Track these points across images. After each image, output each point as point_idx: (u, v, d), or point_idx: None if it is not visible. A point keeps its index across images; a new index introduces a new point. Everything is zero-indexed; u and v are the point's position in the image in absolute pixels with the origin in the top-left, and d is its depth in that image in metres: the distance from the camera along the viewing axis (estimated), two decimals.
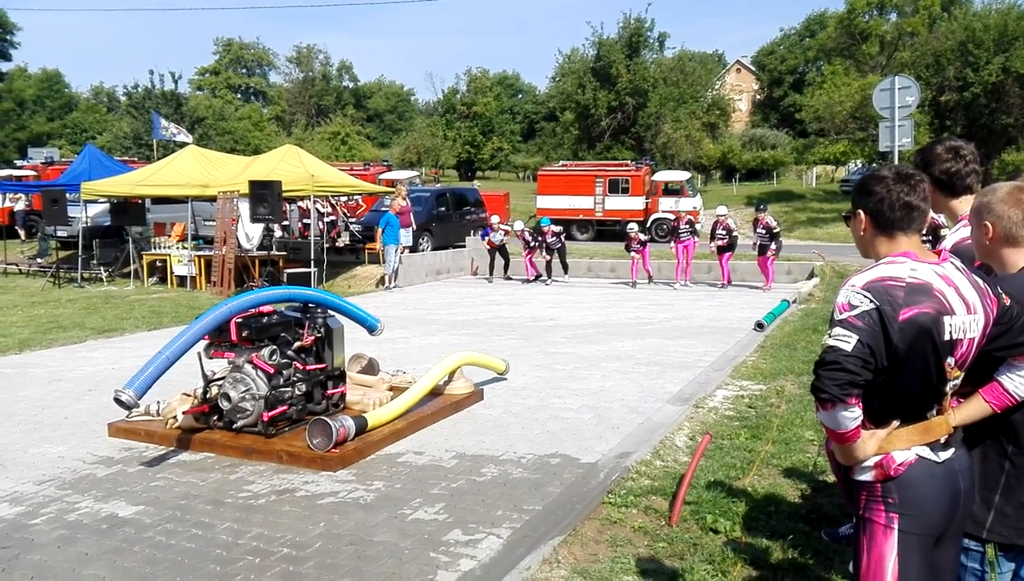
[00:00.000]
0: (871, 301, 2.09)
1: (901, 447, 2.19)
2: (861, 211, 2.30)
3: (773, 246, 15.74)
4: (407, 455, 5.65)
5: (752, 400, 6.88)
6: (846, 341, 2.08)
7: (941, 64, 30.35)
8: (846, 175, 40.84)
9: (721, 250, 16.18)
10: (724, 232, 16.09)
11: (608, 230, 25.61)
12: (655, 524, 4.34)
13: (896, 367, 2.13)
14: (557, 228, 17.46)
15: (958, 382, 2.27)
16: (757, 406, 6.68)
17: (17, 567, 3.97)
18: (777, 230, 15.93)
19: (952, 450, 2.26)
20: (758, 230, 15.84)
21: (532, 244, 17.50)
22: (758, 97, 62.30)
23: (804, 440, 5.69)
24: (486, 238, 17.81)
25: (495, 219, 18.26)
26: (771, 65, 59.18)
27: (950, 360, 2.18)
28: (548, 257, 17.38)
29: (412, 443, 5.91)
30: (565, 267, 17.57)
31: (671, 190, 25.93)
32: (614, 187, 26.08)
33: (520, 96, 67.48)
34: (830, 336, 2.13)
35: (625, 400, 7.10)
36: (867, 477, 2.21)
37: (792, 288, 15.39)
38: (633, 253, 16.69)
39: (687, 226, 16.87)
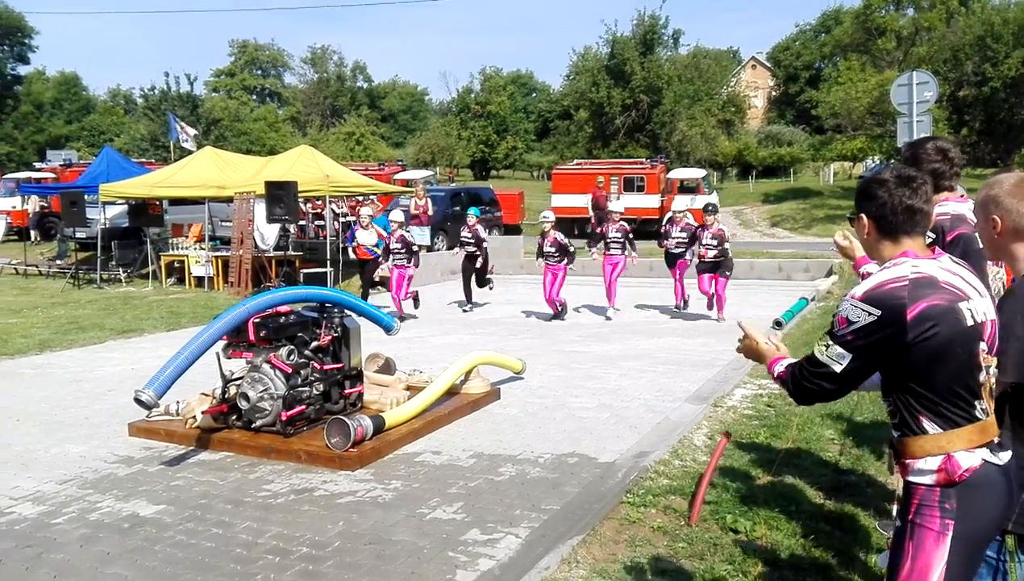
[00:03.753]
0: (870, 313, 2.08)
1: (962, 448, 2.09)
2: (864, 215, 2.28)
3: (723, 263, 11.16)
4: (424, 454, 5.65)
5: (771, 399, 6.84)
6: (838, 363, 2.14)
7: (959, 59, 30.05)
8: (864, 171, 40.51)
9: (674, 259, 11.89)
10: (683, 235, 11.78)
11: None
12: (674, 524, 4.32)
13: (925, 364, 2.07)
14: (483, 232, 12.74)
15: (994, 369, 2.20)
16: (776, 405, 6.63)
17: (40, 566, 4.01)
18: (727, 247, 11.20)
19: (1009, 452, 2.19)
20: (705, 241, 11.15)
21: (395, 251, 11.79)
22: (774, 93, 61.88)
23: (824, 439, 5.64)
24: (353, 244, 13.10)
25: (365, 212, 13.65)
26: (786, 61, 58.79)
27: (982, 346, 2.13)
28: (484, 269, 12.78)
29: (429, 442, 5.91)
30: (481, 281, 12.92)
31: (687, 188, 25.80)
32: (629, 185, 25.98)
33: (534, 95, 67.41)
34: (825, 349, 2.17)
35: (642, 399, 7.07)
36: (927, 481, 2.11)
37: (811, 285, 15.28)
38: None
39: (618, 235, 11.91)
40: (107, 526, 4.50)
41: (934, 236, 3.18)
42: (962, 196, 3.39)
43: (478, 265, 12.74)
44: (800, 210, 29.86)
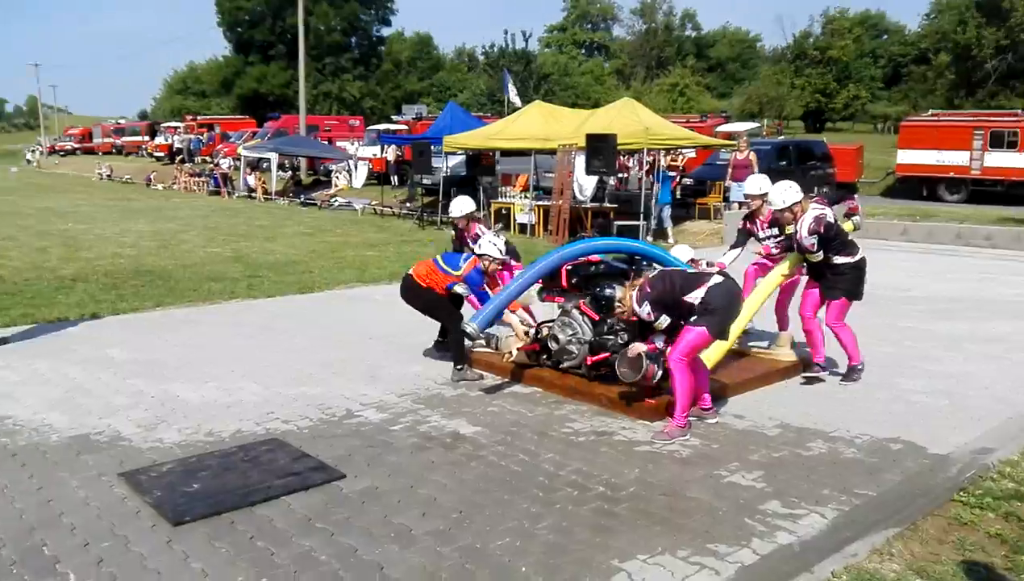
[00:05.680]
0: None
1: None
2: None
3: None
4: (726, 417, 5.49)
5: None
6: None
7: None
8: None
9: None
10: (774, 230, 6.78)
11: (986, 191, 21.97)
12: (1018, 534, 3.69)
13: None
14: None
15: None
16: None
17: (379, 464, 4.66)
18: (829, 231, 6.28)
19: None
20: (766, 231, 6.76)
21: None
22: None
23: None
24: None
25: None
26: None
27: None
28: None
29: (732, 406, 5.73)
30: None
31: None
32: (997, 141, 22.12)
33: (884, 37, 60.26)
34: None
35: (991, 389, 6.10)
36: None
37: None
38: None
39: (775, 231, 6.72)
40: (433, 439, 5.08)
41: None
42: None
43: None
44: None
